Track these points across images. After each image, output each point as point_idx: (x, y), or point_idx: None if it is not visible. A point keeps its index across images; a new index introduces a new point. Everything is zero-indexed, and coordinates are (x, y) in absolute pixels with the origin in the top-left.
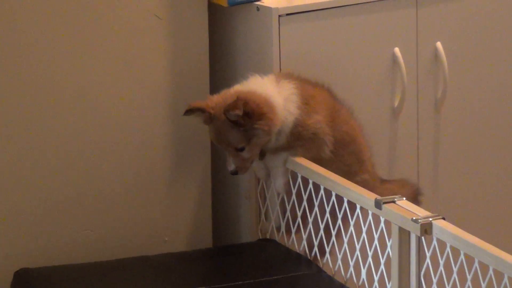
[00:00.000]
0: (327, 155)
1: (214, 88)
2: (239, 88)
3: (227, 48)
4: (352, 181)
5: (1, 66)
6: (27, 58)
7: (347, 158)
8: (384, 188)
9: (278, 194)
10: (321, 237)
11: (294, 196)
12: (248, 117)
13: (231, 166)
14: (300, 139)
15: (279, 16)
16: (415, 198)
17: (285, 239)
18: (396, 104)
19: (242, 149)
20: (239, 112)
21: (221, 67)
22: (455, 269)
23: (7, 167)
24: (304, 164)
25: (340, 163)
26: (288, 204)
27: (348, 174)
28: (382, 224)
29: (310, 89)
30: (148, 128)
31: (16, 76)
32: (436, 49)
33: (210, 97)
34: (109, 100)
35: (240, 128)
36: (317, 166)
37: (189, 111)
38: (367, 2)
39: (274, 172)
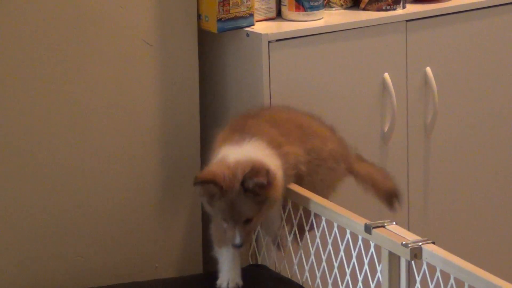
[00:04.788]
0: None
1: (204, 114)
2: (234, 156)
3: (217, 75)
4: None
5: None
6: (16, 83)
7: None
8: (361, 166)
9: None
10: (312, 262)
11: (284, 222)
12: (263, 187)
13: (237, 240)
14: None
15: (269, 42)
16: (391, 195)
17: (276, 265)
18: (386, 129)
19: (250, 221)
20: (263, 180)
21: (211, 93)
22: None
23: None
24: (294, 190)
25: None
26: (278, 230)
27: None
28: (372, 249)
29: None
30: (138, 155)
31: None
32: (425, 75)
33: (207, 169)
34: (98, 128)
35: (256, 198)
36: (307, 191)
37: (201, 183)
38: (357, 28)
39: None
